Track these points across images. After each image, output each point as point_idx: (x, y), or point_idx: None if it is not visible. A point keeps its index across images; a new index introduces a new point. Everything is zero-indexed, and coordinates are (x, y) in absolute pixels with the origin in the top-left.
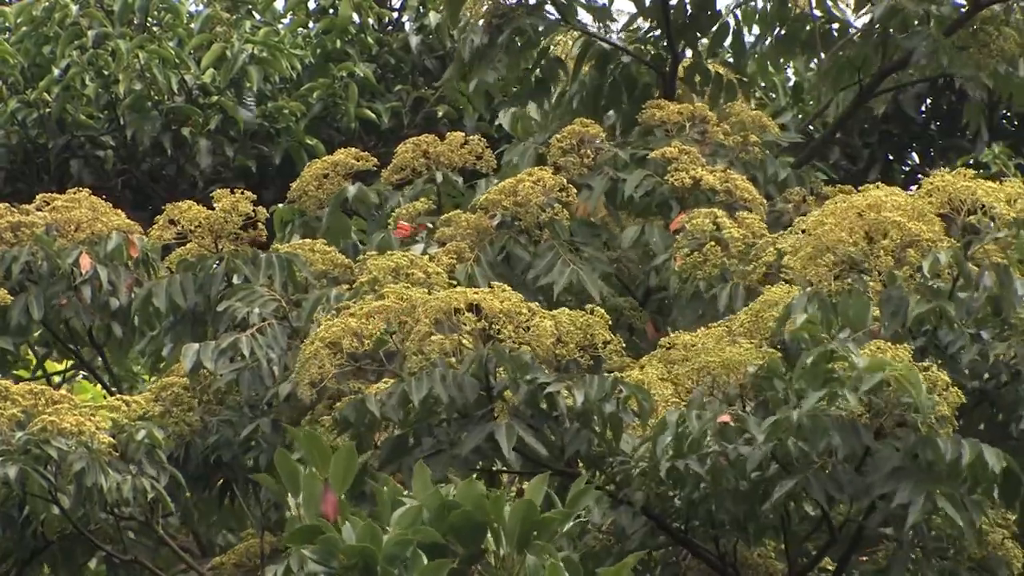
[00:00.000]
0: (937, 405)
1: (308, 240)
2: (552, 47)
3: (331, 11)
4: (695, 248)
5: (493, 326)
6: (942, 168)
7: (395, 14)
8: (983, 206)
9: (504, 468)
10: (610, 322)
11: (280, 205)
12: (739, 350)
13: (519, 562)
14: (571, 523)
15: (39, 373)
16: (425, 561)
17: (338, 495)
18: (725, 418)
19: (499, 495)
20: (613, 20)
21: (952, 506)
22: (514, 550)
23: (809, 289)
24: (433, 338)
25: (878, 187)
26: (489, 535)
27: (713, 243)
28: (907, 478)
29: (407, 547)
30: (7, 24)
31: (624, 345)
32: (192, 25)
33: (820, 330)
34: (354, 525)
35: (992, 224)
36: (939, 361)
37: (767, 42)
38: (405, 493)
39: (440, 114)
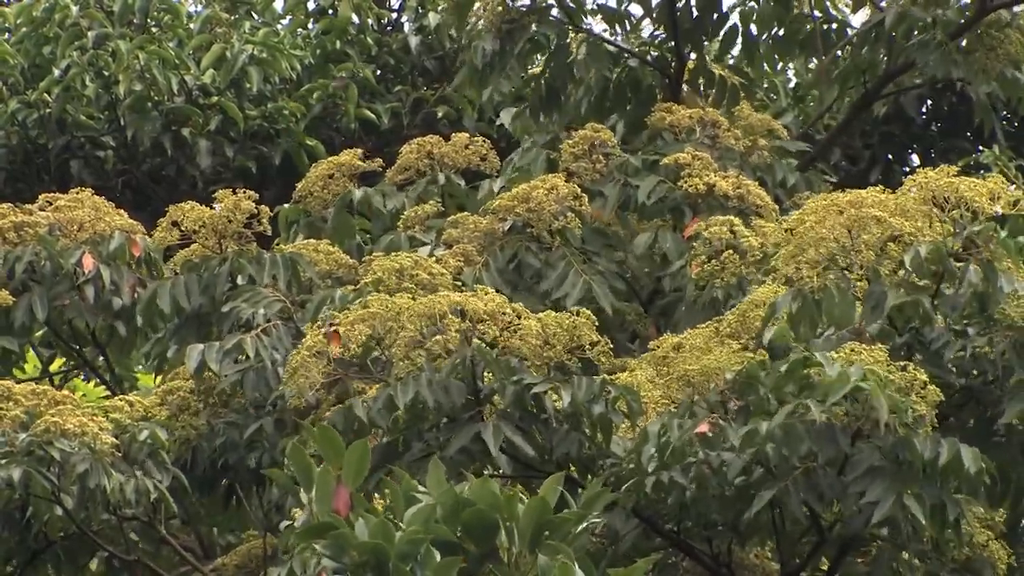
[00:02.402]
0: (914, 405)
1: (313, 240)
2: (567, 56)
3: (330, 12)
4: (712, 256)
5: (479, 329)
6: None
7: (394, 15)
8: (966, 202)
9: (494, 472)
10: (607, 324)
11: (285, 205)
12: (718, 356)
13: (531, 561)
14: (584, 525)
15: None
16: (438, 558)
17: (351, 491)
18: (703, 427)
19: (513, 494)
20: (624, 25)
21: (919, 506)
22: (526, 549)
23: (793, 287)
24: (424, 344)
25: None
26: (502, 533)
27: (731, 252)
28: (882, 477)
29: (420, 544)
30: (7, 25)
31: (625, 349)
32: (192, 26)
33: (792, 337)
34: (367, 521)
35: (976, 220)
36: (922, 358)
37: (764, 40)
38: (420, 490)
39: (440, 115)
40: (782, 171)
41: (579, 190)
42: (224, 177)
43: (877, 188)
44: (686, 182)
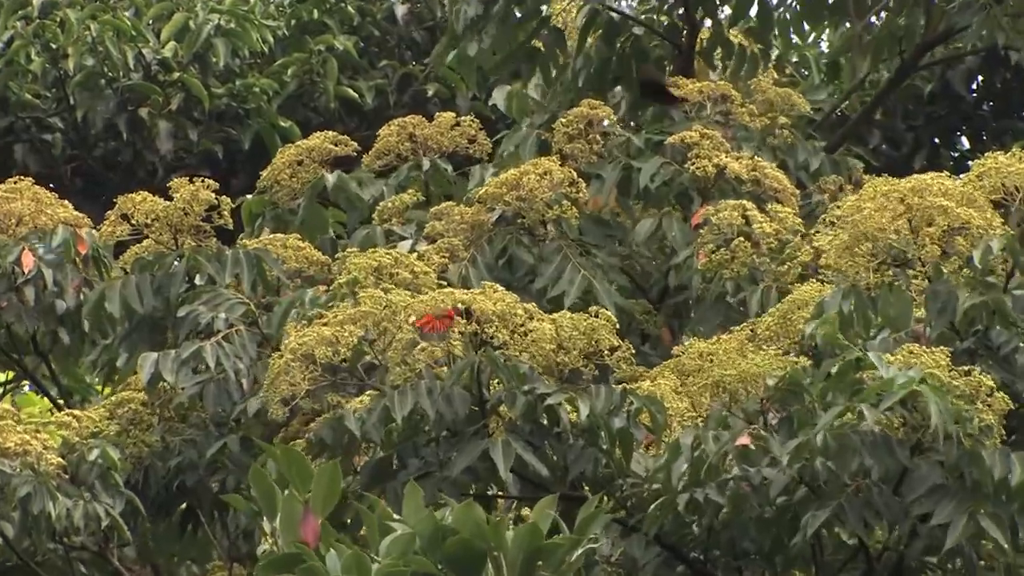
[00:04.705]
0: (980, 414)
1: (280, 235)
2: (552, 15)
3: None
4: (721, 244)
5: (486, 331)
6: (995, 152)
7: None
8: None
9: (500, 492)
10: (618, 326)
11: (249, 196)
12: (757, 360)
13: None
14: (579, 551)
15: None
16: None
17: (320, 519)
18: (744, 440)
19: (500, 520)
20: None
21: (997, 527)
22: None
23: (845, 284)
24: (419, 347)
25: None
26: (489, 564)
27: (742, 239)
28: (948, 496)
29: None
30: None
31: (635, 353)
32: None
33: (842, 336)
34: (339, 553)
35: None
36: (988, 364)
37: (791, 5)
38: (395, 518)
39: (430, 93)
40: (805, 152)
41: (575, 174)
42: (187, 163)
43: (943, 174)
44: (693, 164)
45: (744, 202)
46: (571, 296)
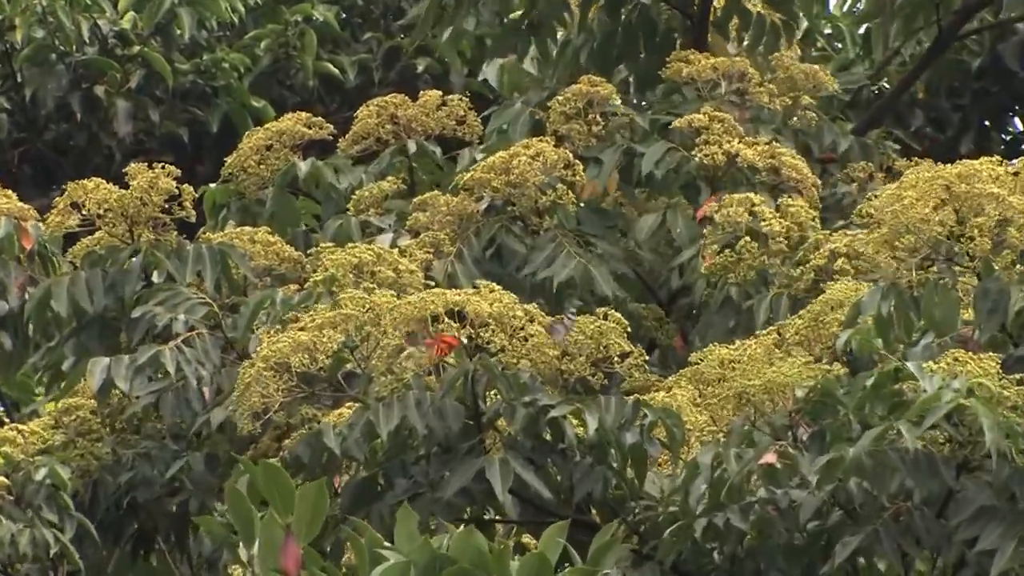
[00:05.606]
0: None
1: (247, 228)
2: None
3: None
4: (727, 244)
5: (481, 336)
6: None
7: None
8: None
9: (499, 516)
10: (628, 330)
11: (212, 185)
12: (784, 369)
13: None
14: None
15: None
16: None
17: (302, 545)
18: (770, 458)
19: (504, 548)
20: None
21: None
22: None
23: (884, 283)
24: (406, 353)
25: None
26: None
27: (748, 239)
28: (996, 520)
29: None
30: None
31: (647, 360)
32: None
33: (878, 345)
34: None
35: None
36: None
37: None
38: (387, 545)
39: (420, 69)
40: (831, 135)
41: (571, 157)
42: (148, 147)
43: (993, 159)
44: (702, 150)
45: (751, 196)
46: (560, 277)
